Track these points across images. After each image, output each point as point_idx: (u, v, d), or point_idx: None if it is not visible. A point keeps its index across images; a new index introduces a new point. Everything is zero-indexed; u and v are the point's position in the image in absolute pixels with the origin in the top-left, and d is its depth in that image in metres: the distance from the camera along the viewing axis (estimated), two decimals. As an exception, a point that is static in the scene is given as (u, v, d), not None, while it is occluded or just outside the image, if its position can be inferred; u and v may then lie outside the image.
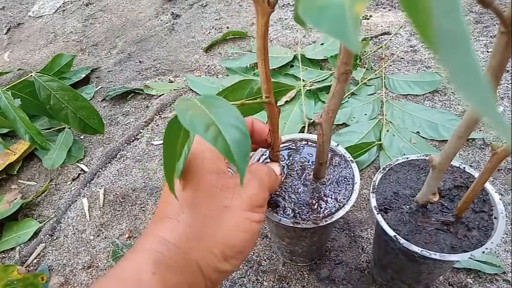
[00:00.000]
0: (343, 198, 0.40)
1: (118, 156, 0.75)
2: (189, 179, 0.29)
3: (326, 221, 0.38)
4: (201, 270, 0.27)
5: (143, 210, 0.64)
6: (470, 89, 0.11)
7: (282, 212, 0.40)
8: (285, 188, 0.42)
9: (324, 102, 0.74)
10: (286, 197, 0.41)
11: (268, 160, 0.42)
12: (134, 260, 0.27)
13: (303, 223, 0.38)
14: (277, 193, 0.42)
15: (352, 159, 0.44)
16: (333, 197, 0.40)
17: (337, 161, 0.44)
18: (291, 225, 0.38)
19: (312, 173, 0.42)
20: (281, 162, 0.44)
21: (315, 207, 0.40)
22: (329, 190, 0.41)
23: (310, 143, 0.46)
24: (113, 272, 0.26)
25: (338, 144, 0.45)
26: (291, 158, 0.45)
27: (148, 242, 0.27)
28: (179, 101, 0.23)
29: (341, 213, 0.38)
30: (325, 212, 0.39)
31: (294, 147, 0.46)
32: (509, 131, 0.11)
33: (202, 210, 0.28)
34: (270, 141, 0.37)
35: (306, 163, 0.44)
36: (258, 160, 0.45)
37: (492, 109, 0.11)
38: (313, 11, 0.12)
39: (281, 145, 0.46)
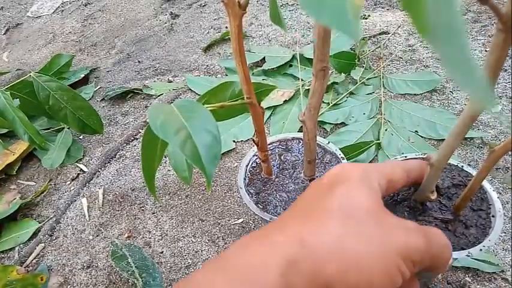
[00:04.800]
0: None
1: (117, 156, 0.75)
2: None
3: None
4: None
5: (142, 210, 0.64)
6: (463, 76, 0.11)
7: (272, 210, 0.40)
8: (276, 187, 0.42)
9: (322, 101, 0.75)
10: (277, 196, 0.41)
11: (259, 161, 0.42)
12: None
13: None
14: (268, 192, 0.42)
15: (344, 156, 0.44)
16: None
17: (328, 159, 0.44)
18: None
19: (302, 172, 0.43)
20: (272, 162, 0.44)
21: None
22: None
23: (301, 142, 0.46)
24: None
25: (329, 142, 0.45)
26: (282, 158, 0.45)
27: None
28: (152, 107, 0.23)
29: None
30: None
31: (285, 147, 0.46)
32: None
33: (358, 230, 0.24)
34: (257, 142, 0.38)
35: (297, 162, 0.44)
36: (248, 162, 0.45)
37: (485, 90, 0.11)
38: (313, 2, 0.12)
39: (272, 145, 0.47)
